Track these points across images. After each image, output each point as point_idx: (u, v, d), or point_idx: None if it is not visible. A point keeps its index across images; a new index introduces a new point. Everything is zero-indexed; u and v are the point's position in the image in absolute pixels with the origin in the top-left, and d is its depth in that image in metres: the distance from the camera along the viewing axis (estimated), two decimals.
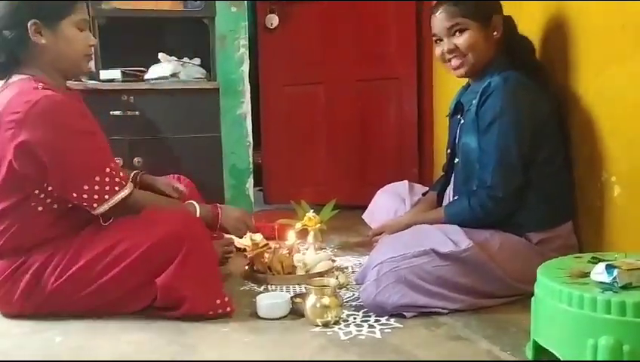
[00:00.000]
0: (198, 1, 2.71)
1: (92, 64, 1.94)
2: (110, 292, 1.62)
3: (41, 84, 1.63)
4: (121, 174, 1.68)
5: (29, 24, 1.62)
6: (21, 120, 1.55)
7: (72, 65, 1.72)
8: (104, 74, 2.56)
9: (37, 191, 1.62)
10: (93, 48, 1.78)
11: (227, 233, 1.93)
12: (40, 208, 1.64)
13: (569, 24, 1.83)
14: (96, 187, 1.60)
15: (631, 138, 1.58)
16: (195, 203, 1.82)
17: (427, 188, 2.18)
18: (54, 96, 1.60)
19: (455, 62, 1.82)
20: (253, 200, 3.16)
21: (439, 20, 1.82)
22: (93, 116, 1.75)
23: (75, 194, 1.60)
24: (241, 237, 2.04)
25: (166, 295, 1.60)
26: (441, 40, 1.83)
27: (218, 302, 1.62)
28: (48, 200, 1.64)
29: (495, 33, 1.80)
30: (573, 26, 1.81)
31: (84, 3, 1.74)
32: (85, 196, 1.60)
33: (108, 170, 1.62)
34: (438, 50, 1.86)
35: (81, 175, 1.60)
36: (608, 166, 1.68)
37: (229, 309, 1.62)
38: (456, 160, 1.88)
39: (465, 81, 1.98)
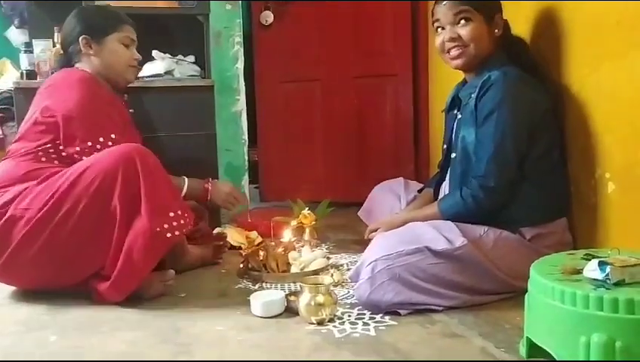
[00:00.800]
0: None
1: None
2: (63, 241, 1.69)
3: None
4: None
5: (80, 38, 1.98)
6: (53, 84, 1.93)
7: (116, 75, 2.05)
8: None
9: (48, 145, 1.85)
10: (136, 62, 2.10)
11: (217, 207, 2.12)
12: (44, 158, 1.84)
13: (564, 21, 1.83)
14: (98, 146, 1.81)
15: (625, 134, 1.58)
16: (185, 177, 2.04)
17: (422, 185, 2.18)
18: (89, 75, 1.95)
19: (455, 51, 1.82)
20: (249, 198, 3.16)
21: (446, 7, 1.82)
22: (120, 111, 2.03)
23: (77, 148, 1.81)
24: (230, 210, 2.23)
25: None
26: (443, 28, 1.83)
27: (172, 214, 1.70)
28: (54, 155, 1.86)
29: (497, 31, 1.81)
30: (568, 23, 1.81)
31: (129, 25, 2.08)
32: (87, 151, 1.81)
33: (113, 136, 1.84)
34: (438, 39, 1.85)
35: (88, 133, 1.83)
36: (602, 162, 1.68)
37: (182, 222, 1.72)
38: (453, 154, 1.88)
39: (460, 76, 1.97)
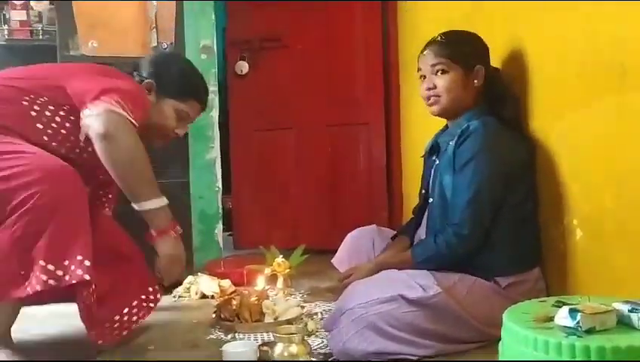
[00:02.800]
0: (168, 48, 2.73)
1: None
2: None
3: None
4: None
5: (147, 80, 1.85)
6: None
7: (147, 132, 1.78)
8: None
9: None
10: (173, 135, 1.94)
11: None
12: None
13: (528, 72, 1.90)
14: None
15: (590, 182, 1.62)
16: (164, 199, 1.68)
17: (395, 233, 2.19)
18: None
19: (431, 99, 1.88)
20: (222, 246, 3.13)
21: (426, 57, 1.88)
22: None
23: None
24: (165, 286, 1.85)
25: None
26: (425, 77, 1.89)
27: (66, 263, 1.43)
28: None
29: (475, 82, 1.86)
30: (532, 73, 1.88)
31: (199, 103, 1.96)
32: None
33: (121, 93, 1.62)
34: (421, 88, 1.91)
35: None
36: (570, 209, 1.71)
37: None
38: (431, 200, 1.90)
39: (431, 125, 2.02)
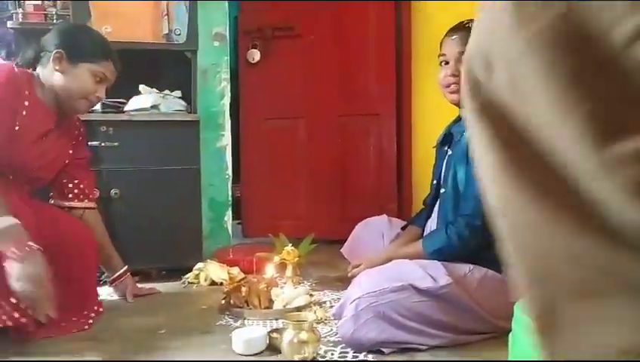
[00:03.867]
0: (181, 35, 2.73)
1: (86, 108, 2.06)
2: None
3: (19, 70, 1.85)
4: None
5: (55, 50, 1.87)
6: None
7: (69, 100, 1.92)
8: None
9: None
10: (95, 99, 1.98)
11: None
12: None
13: None
14: None
15: None
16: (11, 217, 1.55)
17: (405, 223, 2.19)
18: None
19: (452, 87, 1.84)
20: (231, 234, 3.13)
21: (453, 43, 1.83)
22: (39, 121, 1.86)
23: None
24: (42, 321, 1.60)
25: None
26: (447, 63, 1.86)
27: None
28: None
29: None
30: None
31: (112, 63, 1.98)
32: None
33: None
34: (441, 74, 1.87)
35: None
36: None
37: None
38: (443, 190, 1.89)
39: (446, 114, 2.01)
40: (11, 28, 2.56)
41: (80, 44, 1.94)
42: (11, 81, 1.80)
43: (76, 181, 2.09)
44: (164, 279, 2.46)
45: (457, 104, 1.90)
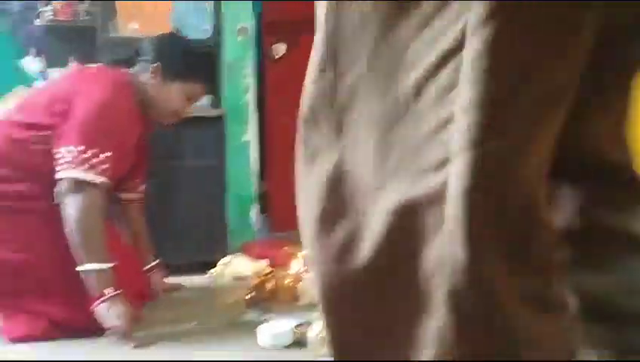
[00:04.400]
0: (205, 30, 2.75)
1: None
2: None
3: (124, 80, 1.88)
4: (102, 167, 1.67)
5: (153, 63, 1.89)
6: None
7: (158, 114, 1.97)
8: None
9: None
10: (182, 115, 2.03)
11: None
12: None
13: None
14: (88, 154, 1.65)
15: None
16: (110, 265, 1.66)
17: None
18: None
19: None
20: (258, 228, 3.14)
21: None
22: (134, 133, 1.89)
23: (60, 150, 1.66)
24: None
25: None
26: None
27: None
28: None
29: None
30: None
31: (204, 86, 2.01)
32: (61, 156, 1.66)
33: (109, 153, 1.68)
34: None
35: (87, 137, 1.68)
36: None
37: None
38: None
39: None
40: (41, 25, 2.61)
41: (177, 63, 1.93)
42: (129, 97, 1.86)
43: (132, 175, 2.08)
44: (191, 273, 2.48)
45: None
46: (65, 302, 1.67)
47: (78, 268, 1.63)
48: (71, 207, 1.64)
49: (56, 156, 1.66)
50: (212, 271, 2.46)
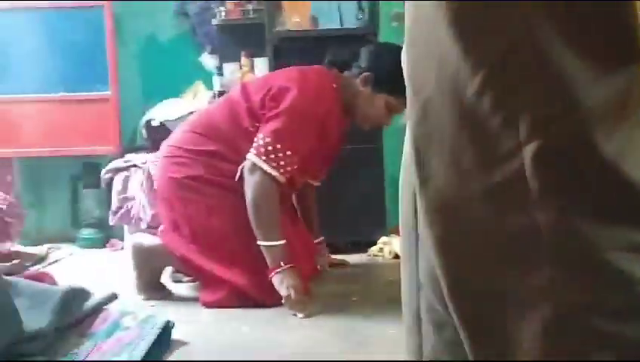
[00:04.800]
0: (360, 19, 2.83)
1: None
2: None
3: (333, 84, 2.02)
4: (283, 163, 1.83)
5: (365, 73, 2.01)
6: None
7: (359, 119, 2.11)
8: None
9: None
10: (383, 125, 2.19)
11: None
12: None
13: None
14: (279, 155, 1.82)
15: None
16: (284, 241, 1.85)
17: None
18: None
19: None
20: None
21: None
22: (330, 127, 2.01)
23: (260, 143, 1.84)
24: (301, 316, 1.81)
25: None
26: None
27: None
28: None
29: None
30: None
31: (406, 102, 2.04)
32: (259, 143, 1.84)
33: (289, 152, 1.82)
34: None
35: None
36: None
37: None
38: None
39: None
40: (215, 25, 2.87)
41: (387, 76, 1.96)
42: (333, 101, 2.00)
43: (321, 167, 2.24)
44: (351, 252, 2.60)
45: None
46: (246, 271, 1.87)
47: (258, 243, 1.83)
48: (249, 188, 1.83)
49: (255, 139, 1.86)
50: (371, 249, 2.58)
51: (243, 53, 2.79)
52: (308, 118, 1.90)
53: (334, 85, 2.01)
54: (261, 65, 2.75)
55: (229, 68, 2.80)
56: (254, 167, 1.83)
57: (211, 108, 2.12)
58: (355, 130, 2.71)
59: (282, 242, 1.84)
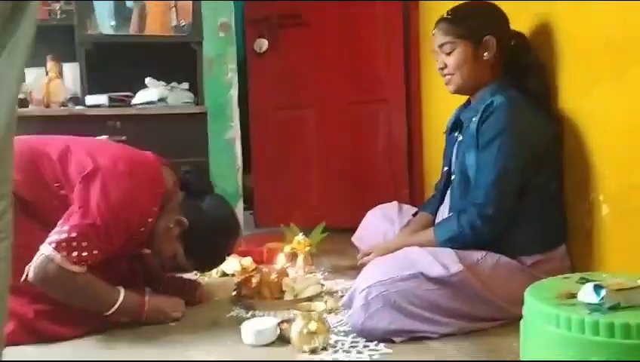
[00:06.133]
0: (186, 26, 2.72)
1: None
2: None
3: None
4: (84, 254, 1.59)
5: (183, 220, 1.78)
6: None
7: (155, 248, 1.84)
8: (90, 99, 2.55)
9: None
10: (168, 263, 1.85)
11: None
12: None
13: (555, 45, 1.84)
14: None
15: (618, 157, 1.57)
16: (121, 291, 1.69)
17: (417, 209, 2.16)
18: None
19: (445, 78, 1.87)
20: (243, 224, 3.13)
21: (435, 37, 1.87)
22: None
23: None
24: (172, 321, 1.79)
25: None
26: (439, 55, 1.87)
27: None
28: None
29: (485, 54, 1.80)
30: (560, 46, 1.82)
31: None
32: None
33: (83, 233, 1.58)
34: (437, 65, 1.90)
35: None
36: (596, 185, 1.67)
37: None
38: (453, 177, 1.86)
39: (457, 99, 1.98)
40: None
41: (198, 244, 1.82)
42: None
43: None
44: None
45: (455, 93, 1.89)
46: (37, 301, 1.64)
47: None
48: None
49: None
50: None
51: (49, 57, 2.52)
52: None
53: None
54: (70, 70, 2.51)
55: (32, 73, 2.50)
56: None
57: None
58: (179, 144, 2.60)
59: (120, 294, 1.68)
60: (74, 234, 1.57)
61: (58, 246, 1.56)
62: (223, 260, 1.94)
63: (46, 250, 1.57)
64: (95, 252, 1.60)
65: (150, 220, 1.72)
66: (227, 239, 1.87)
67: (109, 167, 1.67)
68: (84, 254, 1.58)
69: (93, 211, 1.60)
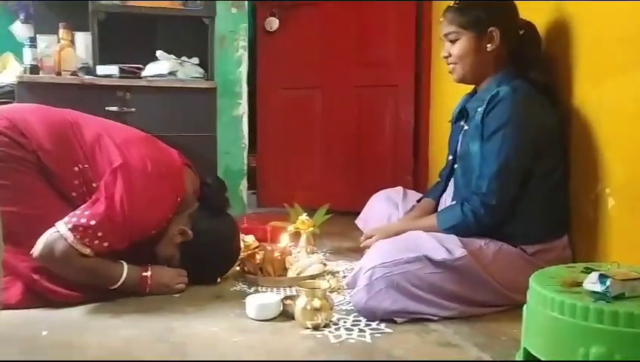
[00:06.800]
0: (199, 1, 2.71)
1: None
2: None
3: None
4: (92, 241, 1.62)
5: (187, 232, 1.84)
6: None
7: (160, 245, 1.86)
8: (101, 69, 2.54)
9: None
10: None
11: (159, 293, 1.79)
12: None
13: (566, 38, 1.84)
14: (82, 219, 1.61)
15: (626, 150, 1.58)
16: (124, 264, 1.72)
17: (421, 195, 2.17)
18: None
19: (449, 67, 1.89)
20: (246, 203, 3.15)
21: (442, 25, 1.88)
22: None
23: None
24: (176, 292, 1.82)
25: None
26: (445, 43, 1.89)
27: None
28: None
29: (489, 45, 1.80)
30: (571, 38, 1.82)
31: None
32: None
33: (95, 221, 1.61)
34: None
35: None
36: (603, 178, 1.68)
37: None
38: (456, 165, 1.88)
39: (465, 88, 1.98)
40: None
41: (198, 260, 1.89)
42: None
43: None
44: None
45: (459, 82, 1.90)
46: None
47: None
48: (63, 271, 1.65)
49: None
50: None
51: (62, 24, 2.51)
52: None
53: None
54: (82, 40, 2.50)
55: (44, 40, 2.50)
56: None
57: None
58: (187, 118, 2.61)
59: (124, 268, 1.72)
60: (93, 222, 1.61)
61: (74, 229, 1.60)
62: (213, 280, 1.95)
63: (62, 228, 1.60)
64: (105, 244, 1.64)
65: (164, 225, 1.79)
66: (222, 265, 1.96)
67: (137, 166, 1.72)
68: (96, 243, 1.62)
69: (117, 206, 1.64)
